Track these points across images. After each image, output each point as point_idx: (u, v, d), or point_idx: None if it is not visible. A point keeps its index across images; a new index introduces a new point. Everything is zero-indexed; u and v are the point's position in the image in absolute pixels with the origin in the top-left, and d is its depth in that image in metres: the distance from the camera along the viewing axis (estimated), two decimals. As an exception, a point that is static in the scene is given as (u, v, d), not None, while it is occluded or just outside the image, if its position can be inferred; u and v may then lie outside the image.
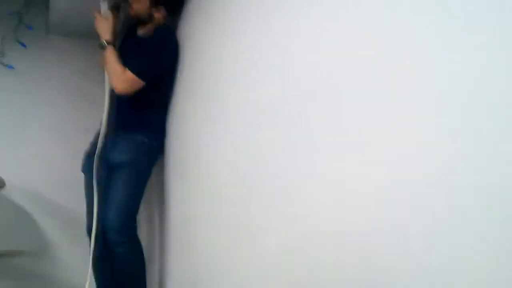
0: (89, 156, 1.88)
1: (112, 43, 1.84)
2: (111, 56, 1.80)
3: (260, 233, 1.00)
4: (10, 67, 2.01)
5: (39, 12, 2.25)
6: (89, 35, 2.28)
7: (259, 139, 1.06)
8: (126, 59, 1.84)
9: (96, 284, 1.82)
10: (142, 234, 1.87)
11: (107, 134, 1.87)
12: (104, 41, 1.83)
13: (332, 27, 0.83)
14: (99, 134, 1.87)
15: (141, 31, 1.94)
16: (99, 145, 1.81)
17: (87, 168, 1.88)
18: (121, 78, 1.76)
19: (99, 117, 1.92)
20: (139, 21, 1.93)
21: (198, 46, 1.69)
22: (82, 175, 1.92)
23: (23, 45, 2.08)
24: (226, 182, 1.23)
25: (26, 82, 2.16)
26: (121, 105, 1.88)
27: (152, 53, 1.82)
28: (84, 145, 1.93)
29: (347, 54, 0.78)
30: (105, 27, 1.86)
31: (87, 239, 1.82)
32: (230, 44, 1.33)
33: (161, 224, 1.90)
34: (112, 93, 1.88)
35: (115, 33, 1.89)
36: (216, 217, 1.28)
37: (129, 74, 1.75)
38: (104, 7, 1.91)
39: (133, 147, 1.81)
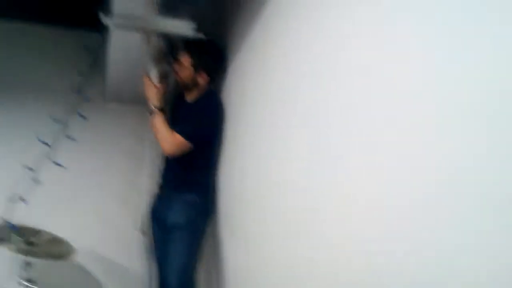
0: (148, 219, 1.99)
1: (161, 108, 1.98)
2: (159, 121, 1.94)
3: (320, 269, 1.03)
4: (72, 137, 2.19)
5: (96, 82, 2.45)
6: (144, 100, 2.47)
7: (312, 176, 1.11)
8: (176, 124, 1.96)
9: None
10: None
11: (158, 195, 1.98)
12: (153, 107, 1.97)
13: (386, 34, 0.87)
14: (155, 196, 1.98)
15: (188, 97, 2.07)
16: (150, 205, 1.92)
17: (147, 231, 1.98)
18: (169, 141, 1.88)
19: (156, 179, 2.03)
20: (186, 87, 2.06)
21: (241, 100, 1.81)
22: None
23: (83, 117, 2.27)
24: (275, 225, 1.30)
25: (87, 150, 2.35)
26: (172, 167, 2.00)
27: (198, 118, 1.96)
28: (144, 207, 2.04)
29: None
30: (153, 93, 2.00)
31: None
32: (274, 82, 1.44)
33: (218, 280, 1.94)
34: (162, 155, 2.00)
35: (164, 99, 2.02)
36: (269, 263, 1.33)
37: (178, 137, 1.88)
38: (154, 74, 2.06)
39: (187, 208, 1.89)
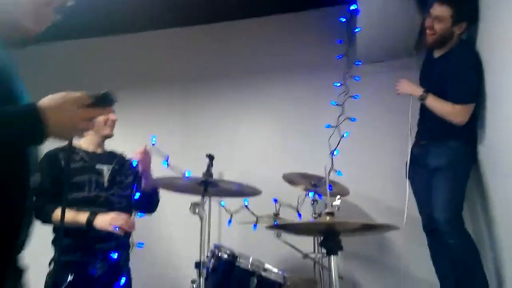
0: (411, 164, 2.19)
1: (425, 91, 2.06)
2: (434, 102, 2.03)
3: None
4: (356, 96, 2.56)
5: (353, 47, 2.77)
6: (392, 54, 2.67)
7: None
8: (431, 82, 2.08)
9: (438, 276, 2.11)
10: (469, 230, 2.00)
11: (418, 143, 2.17)
12: (420, 95, 2.07)
13: None
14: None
15: (437, 53, 2.11)
16: (409, 154, 2.14)
17: (411, 175, 2.20)
18: (453, 113, 1.96)
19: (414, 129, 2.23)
20: (437, 43, 2.06)
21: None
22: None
23: (357, 78, 2.62)
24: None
25: (366, 104, 2.67)
26: (428, 117, 2.11)
27: (466, 74, 1.95)
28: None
29: None
30: (411, 88, 2.12)
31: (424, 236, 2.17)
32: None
33: (486, 217, 2.03)
34: (422, 106, 2.15)
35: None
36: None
37: (458, 107, 1.94)
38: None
39: (447, 152, 2.02)
